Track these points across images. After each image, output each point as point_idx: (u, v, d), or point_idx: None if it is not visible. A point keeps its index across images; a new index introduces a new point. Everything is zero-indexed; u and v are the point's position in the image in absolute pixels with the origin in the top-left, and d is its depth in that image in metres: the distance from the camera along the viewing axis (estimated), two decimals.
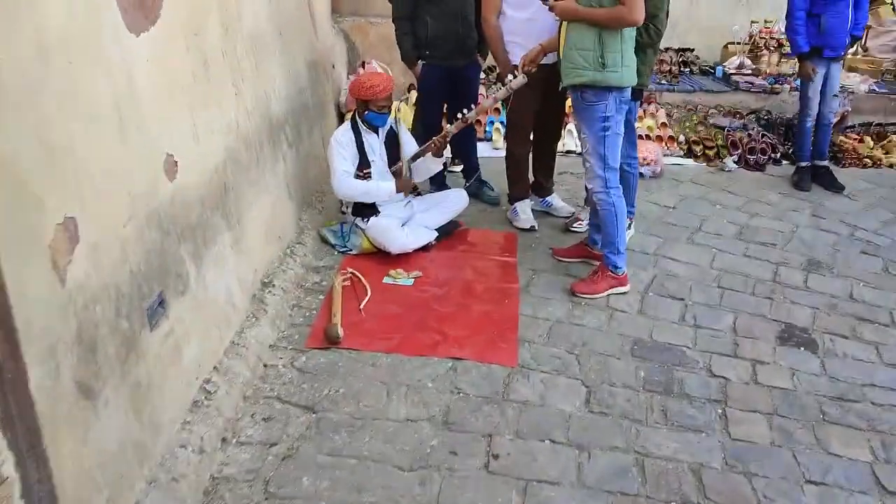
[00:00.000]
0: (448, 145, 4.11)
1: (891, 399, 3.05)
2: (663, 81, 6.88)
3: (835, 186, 5.31)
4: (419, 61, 4.40)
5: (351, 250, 4.00)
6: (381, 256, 3.95)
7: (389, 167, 4.05)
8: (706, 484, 2.52)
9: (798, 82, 6.82)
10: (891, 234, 4.63)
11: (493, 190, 4.83)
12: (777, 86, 6.81)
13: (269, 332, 3.15)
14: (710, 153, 5.84)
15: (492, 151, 5.65)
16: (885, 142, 6.22)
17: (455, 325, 3.35)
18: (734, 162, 5.67)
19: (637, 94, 3.80)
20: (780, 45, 7.23)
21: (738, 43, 7.37)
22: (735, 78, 6.95)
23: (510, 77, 3.74)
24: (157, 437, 2.29)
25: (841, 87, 5.80)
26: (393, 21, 4.45)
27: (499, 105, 5.95)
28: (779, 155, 5.87)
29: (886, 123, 6.53)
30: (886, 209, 5.02)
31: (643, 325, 3.47)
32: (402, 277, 3.75)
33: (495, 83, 6.46)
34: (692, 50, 7.61)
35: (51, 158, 1.82)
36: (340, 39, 6.34)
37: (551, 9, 3.39)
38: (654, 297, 3.73)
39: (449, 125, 3.99)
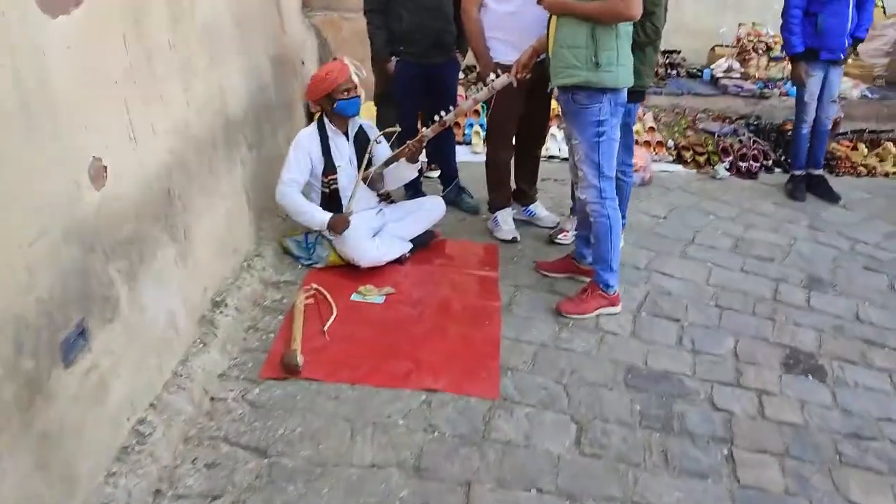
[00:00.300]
0: (423, 150, 3.77)
1: None
2: (650, 83, 6.59)
3: (830, 196, 5.05)
4: (392, 58, 4.05)
5: (316, 263, 3.64)
6: (349, 270, 3.59)
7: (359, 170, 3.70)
8: None
9: (787, 85, 6.63)
10: (893, 248, 4.36)
11: (472, 197, 4.50)
12: (766, 90, 6.57)
13: (219, 360, 2.78)
14: (701, 160, 5.55)
15: (471, 155, 5.33)
16: (879, 149, 5.98)
17: (430, 350, 3.01)
18: (726, 169, 5.39)
19: (639, 95, 3.49)
20: (769, 49, 7.00)
21: (727, 45, 7.13)
22: (723, 82, 6.70)
23: (492, 76, 3.40)
24: (71, 495, 1.93)
25: None
26: (364, 14, 4.10)
27: (479, 107, 5.67)
28: (771, 162, 5.60)
29: (880, 130, 6.30)
30: (886, 221, 4.75)
31: (637, 350, 3.15)
32: (372, 294, 3.40)
33: (476, 83, 6.17)
34: (679, 52, 7.35)
35: None
36: (311, 35, 5.96)
37: (539, 2, 3.07)
38: (648, 317, 3.42)
39: (425, 128, 3.64)
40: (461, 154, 4.90)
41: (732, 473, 2.48)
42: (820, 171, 5.16)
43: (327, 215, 3.56)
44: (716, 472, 2.47)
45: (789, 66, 6.81)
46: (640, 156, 5.07)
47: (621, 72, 3.02)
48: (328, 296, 3.32)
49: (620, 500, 2.32)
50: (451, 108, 3.58)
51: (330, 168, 3.63)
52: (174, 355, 2.60)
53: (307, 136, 3.64)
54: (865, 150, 5.90)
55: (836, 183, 5.23)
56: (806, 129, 4.98)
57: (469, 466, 2.40)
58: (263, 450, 2.40)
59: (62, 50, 1.99)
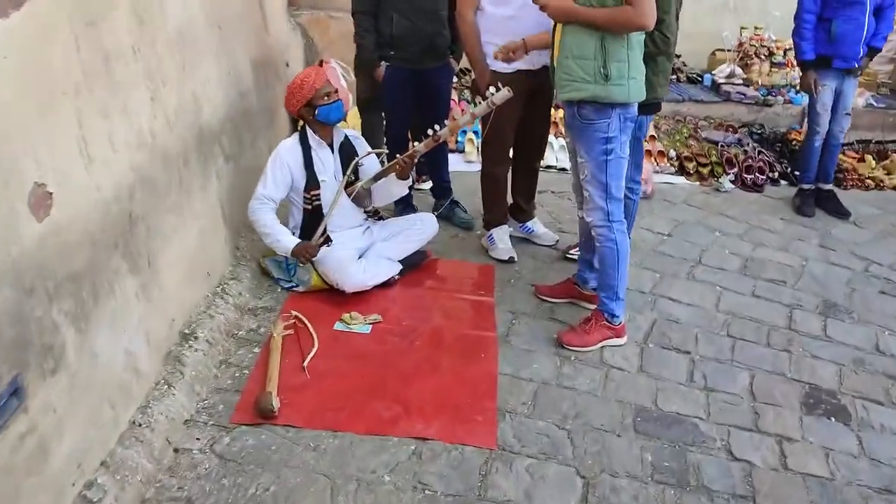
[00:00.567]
0: (415, 165, 3.49)
1: None
2: (664, 95, 6.32)
3: (840, 212, 4.82)
4: (382, 62, 3.77)
5: (297, 287, 3.36)
6: (333, 295, 3.31)
7: (346, 186, 3.41)
8: None
9: (792, 93, 6.40)
10: None
11: (465, 211, 4.22)
12: (770, 98, 6.32)
13: (186, 403, 2.50)
14: (704, 171, 5.30)
15: (464, 165, 5.02)
16: (886, 161, 5.76)
17: (420, 388, 2.74)
18: (731, 182, 5.14)
19: (653, 107, 3.24)
20: (772, 54, 6.75)
21: (729, 50, 6.88)
22: (725, 88, 6.45)
23: (492, 90, 3.10)
24: None
25: None
26: (353, 16, 3.81)
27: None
28: (776, 174, 5.36)
29: (886, 141, 6.08)
30: None
31: (645, 388, 2.90)
32: (357, 323, 3.12)
33: (469, 87, 5.88)
34: (679, 56, 7.09)
35: None
36: (297, 35, 5.65)
37: (543, 8, 2.79)
38: (656, 349, 3.16)
39: (417, 143, 3.36)
40: (454, 163, 4.61)
41: None
42: (829, 186, 4.93)
43: (293, 242, 3.26)
44: None
45: (792, 72, 6.64)
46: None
47: (632, 85, 2.76)
48: (309, 325, 3.04)
49: None
50: (444, 122, 3.28)
51: (313, 183, 3.34)
52: (133, 401, 2.31)
53: (288, 149, 3.35)
54: (873, 162, 5.68)
55: (843, 197, 5.00)
56: (818, 142, 4.72)
57: None
58: None
59: None
